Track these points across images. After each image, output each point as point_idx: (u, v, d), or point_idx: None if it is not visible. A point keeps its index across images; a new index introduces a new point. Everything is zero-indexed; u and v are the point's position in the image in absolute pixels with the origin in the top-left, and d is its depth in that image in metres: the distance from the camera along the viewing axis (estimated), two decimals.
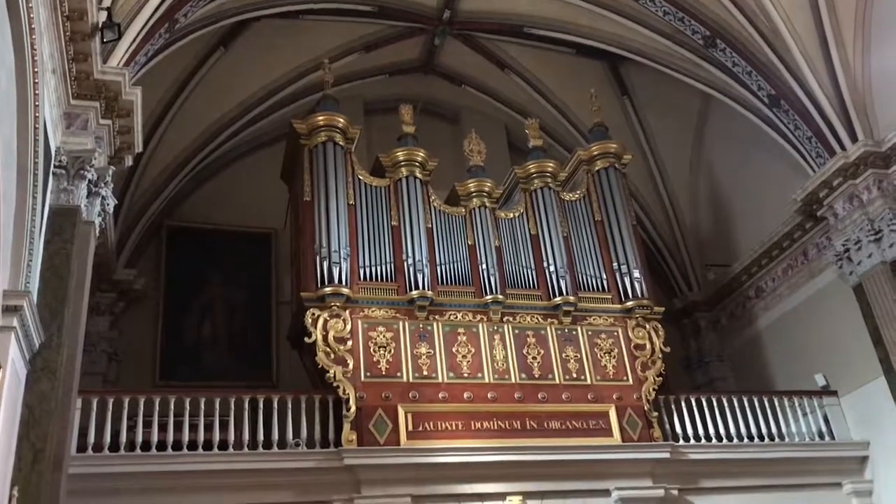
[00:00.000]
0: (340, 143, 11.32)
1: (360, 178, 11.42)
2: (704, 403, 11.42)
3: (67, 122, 8.32)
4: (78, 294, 7.84)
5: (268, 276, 13.52)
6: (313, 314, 10.28)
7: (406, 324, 10.62)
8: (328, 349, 10.15)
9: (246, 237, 13.66)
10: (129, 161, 9.63)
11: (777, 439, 11.47)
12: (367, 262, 10.80)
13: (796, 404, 11.90)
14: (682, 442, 10.99)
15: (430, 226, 11.33)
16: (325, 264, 10.43)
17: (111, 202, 9.10)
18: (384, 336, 10.47)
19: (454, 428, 10.17)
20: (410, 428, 10.01)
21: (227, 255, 13.43)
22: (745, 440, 11.29)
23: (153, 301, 12.91)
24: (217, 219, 13.63)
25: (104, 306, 12.16)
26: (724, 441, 11.19)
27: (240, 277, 13.35)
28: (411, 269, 10.80)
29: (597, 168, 12.56)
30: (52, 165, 7.92)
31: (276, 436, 9.58)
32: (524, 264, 11.55)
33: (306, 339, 10.21)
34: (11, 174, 6.70)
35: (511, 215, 11.92)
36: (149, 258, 13.20)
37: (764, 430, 11.45)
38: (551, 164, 12.30)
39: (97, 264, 9.66)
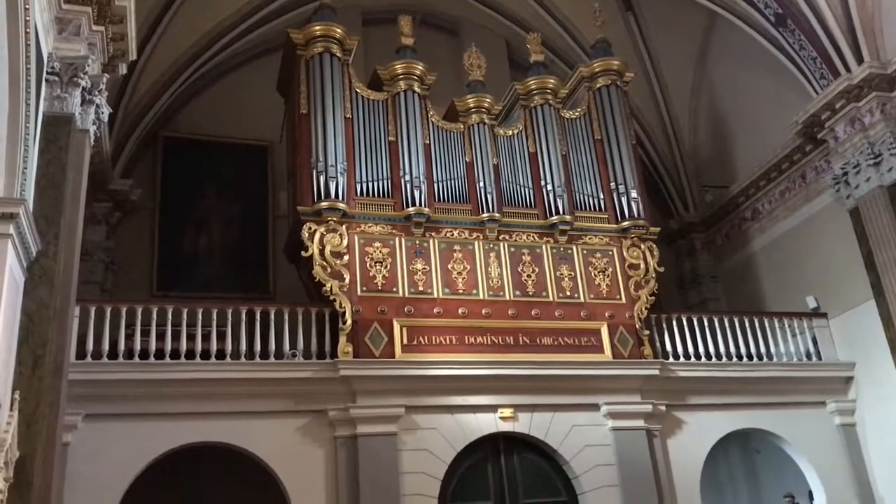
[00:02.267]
0: (338, 54, 11.10)
1: (358, 91, 11.25)
2: (695, 323, 11.59)
3: (59, 28, 8.13)
4: (74, 202, 7.82)
5: (264, 190, 13.46)
6: (310, 228, 10.30)
7: (402, 240, 10.66)
8: (325, 263, 10.20)
9: (242, 149, 13.53)
10: (123, 69, 9.45)
11: (765, 359, 11.68)
12: (363, 178, 10.75)
13: (786, 325, 12.07)
14: (671, 360, 11.20)
15: (427, 142, 11.23)
16: (322, 178, 10.38)
17: (105, 111, 8.98)
18: (380, 251, 10.51)
19: (448, 342, 10.34)
20: (405, 342, 10.17)
21: (224, 168, 13.34)
22: (734, 359, 11.49)
23: (149, 212, 12.88)
24: (213, 130, 13.45)
25: (100, 216, 12.14)
26: (714, 360, 11.40)
27: (236, 190, 13.29)
28: (408, 186, 10.76)
29: (598, 85, 12.39)
30: (44, 72, 7.78)
31: (272, 347, 9.73)
32: (521, 182, 11.53)
33: (303, 253, 10.24)
34: (3, 81, 6.58)
35: (510, 132, 11.82)
36: (144, 169, 13.10)
37: (753, 350, 11.64)
38: (552, 81, 12.12)
39: (92, 174, 9.58)
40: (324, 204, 10.31)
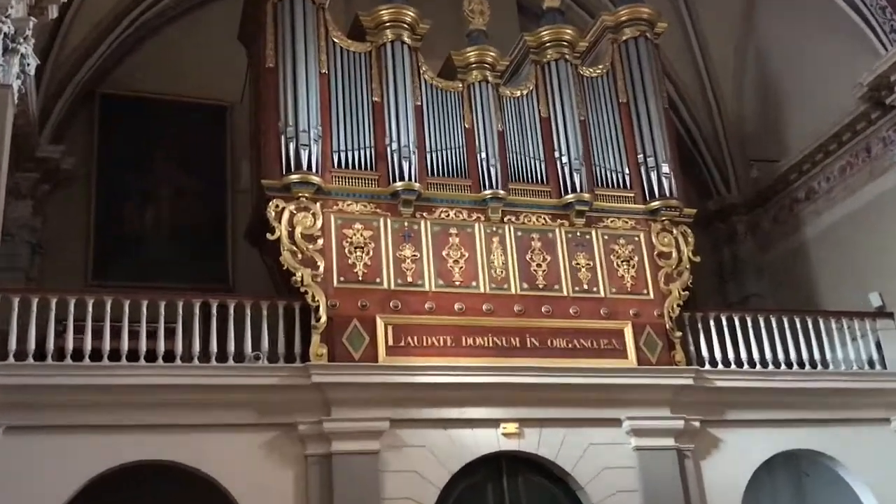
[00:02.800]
0: None
1: (336, 41, 11.22)
2: (737, 323, 11.61)
3: None
4: None
5: (222, 159, 13.49)
6: (277, 206, 10.29)
7: (388, 221, 10.68)
8: (295, 248, 10.21)
9: (196, 110, 13.53)
10: (53, 12, 9.39)
11: (819, 367, 11.73)
12: (342, 146, 10.75)
13: (845, 327, 12.11)
14: (707, 367, 11.24)
15: (419, 103, 11.23)
16: (292, 146, 10.37)
17: (32, 62, 8.94)
18: (361, 235, 10.52)
19: (442, 344, 10.38)
20: (390, 342, 10.20)
21: (174, 132, 13.34)
22: (783, 367, 11.54)
23: (84, 184, 12.87)
24: (161, 87, 13.42)
25: (25, 189, 12.09)
26: (758, 367, 11.44)
27: (189, 159, 13.29)
28: (395, 156, 10.75)
29: (624, 38, 12.40)
30: None
31: (231, 347, 9.71)
32: (531, 153, 11.56)
33: (269, 236, 10.24)
34: None
35: (518, 93, 11.83)
36: (78, 133, 13.06)
37: (805, 357, 11.70)
38: (569, 32, 12.13)
39: (16, 138, 9.51)
40: (294, 177, 10.29)
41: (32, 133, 11.80)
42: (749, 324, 11.64)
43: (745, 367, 11.41)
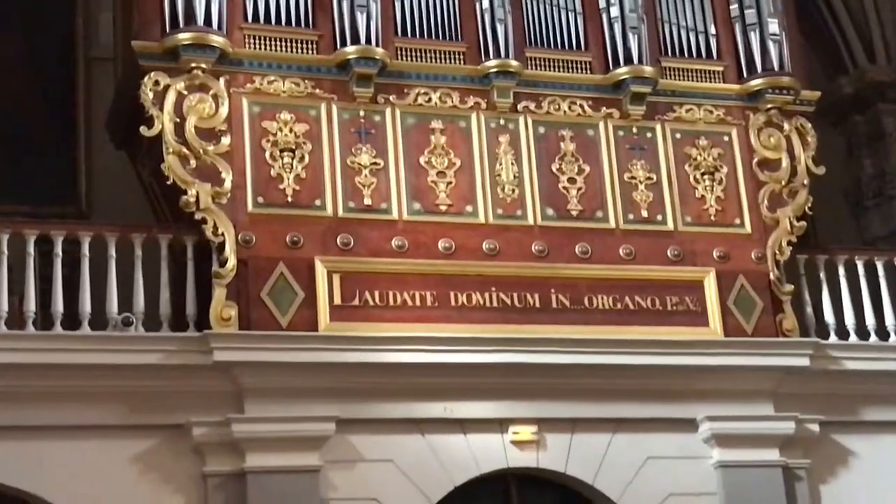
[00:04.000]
0: None
1: None
2: (881, 271, 11.73)
3: None
4: None
5: (68, 11, 13.39)
6: (157, 84, 10.18)
7: (334, 108, 10.70)
8: (186, 150, 10.11)
9: None
10: None
11: None
12: None
13: None
14: (834, 339, 11.34)
15: None
16: None
17: None
18: (292, 131, 10.52)
19: (419, 303, 10.43)
20: (338, 300, 10.21)
21: None
22: None
23: None
24: None
25: None
26: None
27: (18, 11, 13.15)
28: (345, 4, 10.63)
29: None
30: None
31: (86, 307, 9.69)
32: (562, 2, 11.55)
33: (144, 131, 10.09)
34: None
35: None
36: None
37: None
38: None
39: None
40: (184, 37, 10.17)
41: None
42: None
43: (893, 339, 11.53)
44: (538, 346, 10.39)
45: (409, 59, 10.93)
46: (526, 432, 10.39)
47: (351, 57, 10.52)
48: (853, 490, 11.18)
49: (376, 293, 10.25)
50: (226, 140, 10.22)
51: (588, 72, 11.39)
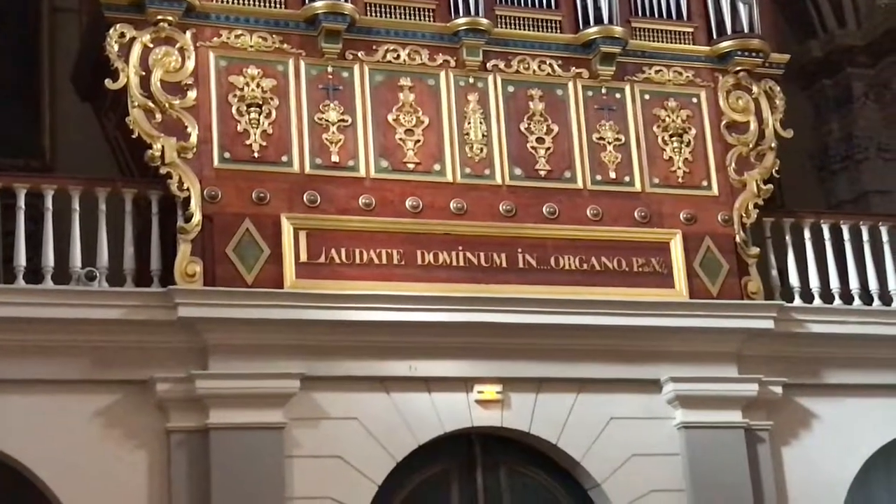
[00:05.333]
0: None
1: None
2: (846, 235, 11.79)
3: None
4: None
5: None
6: (122, 36, 10.13)
7: (301, 64, 10.69)
8: (151, 104, 10.07)
9: None
10: None
11: None
12: None
13: None
14: (798, 302, 11.49)
15: None
16: None
17: None
18: (259, 86, 10.48)
19: (385, 261, 10.44)
20: (304, 257, 10.24)
21: None
22: None
23: None
24: None
25: None
26: (877, 304, 11.70)
27: None
28: None
29: None
30: None
31: (49, 261, 9.67)
32: None
33: (109, 84, 10.08)
34: None
35: None
36: None
37: None
38: None
39: None
40: None
41: None
42: (865, 236, 11.85)
43: (857, 303, 11.65)
44: (504, 306, 10.44)
45: (378, 14, 10.88)
46: (490, 392, 10.43)
47: (319, 12, 10.47)
48: (815, 452, 11.27)
49: (342, 251, 10.26)
50: (192, 94, 10.20)
51: (558, 31, 11.36)
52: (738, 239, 11.25)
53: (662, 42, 11.67)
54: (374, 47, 10.84)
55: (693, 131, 11.49)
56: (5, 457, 9.33)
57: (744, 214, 11.35)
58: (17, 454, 9.30)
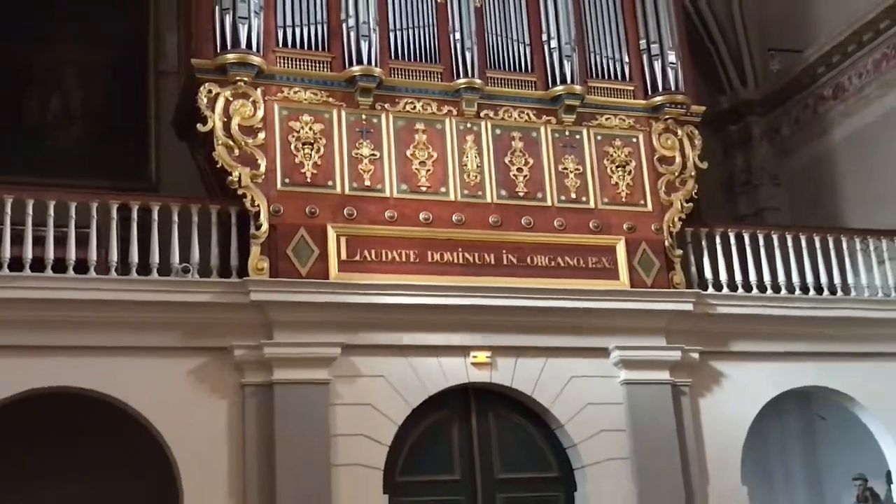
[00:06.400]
0: None
1: None
2: (747, 240, 11.81)
3: None
4: None
5: (142, 34, 13.30)
6: (210, 92, 10.23)
7: (343, 113, 10.67)
8: (231, 142, 10.16)
9: None
10: None
11: (840, 293, 11.97)
12: (288, 20, 10.63)
13: (871, 248, 12.31)
14: (711, 291, 11.45)
15: None
16: (228, 19, 10.26)
17: None
18: (311, 129, 10.51)
19: (404, 259, 10.49)
20: (344, 256, 10.27)
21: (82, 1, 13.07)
22: (798, 292, 11.78)
23: None
24: None
25: None
26: (769, 292, 11.65)
27: (101, 31, 13.01)
28: (352, 34, 10.63)
29: None
30: None
31: (155, 258, 9.76)
32: (515, 36, 11.52)
33: (200, 128, 10.20)
34: None
35: None
36: None
37: (824, 281, 11.91)
38: None
39: None
40: (230, 57, 10.21)
41: None
42: (761, 242, 11.80)
43: (755, 291, 11.62)
44: (492, 293, 10.51)
45: (399, 76, 10.86)
46: (482, 356, 10.48)
47: (356, 74, 10.52)
48: (723, 402, 11.30)
49: (372, 251, 10.32)
50: (261, 135, 10.24)
51: (533, 89, 11.34)
52: (666, 244, 11.29)
53: (610, 97, 11.60)
54: (396, 100, 10.81)
55: (633, 163, 11.47)
56: (123, 403, 9.43)
57: (671, 225, 11.38)
58: (133, 402, 9.44)
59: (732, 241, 11.75)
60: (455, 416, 10.67)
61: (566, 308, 10.74)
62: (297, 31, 10.64)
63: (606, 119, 11.61)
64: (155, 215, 9.93)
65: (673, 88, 11.70)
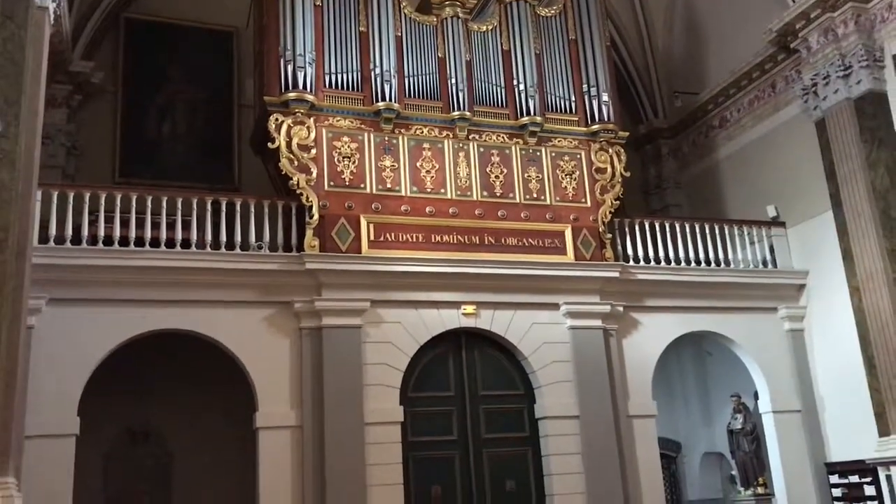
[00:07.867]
0: None
1: None
2: (657, 227, 11.78)
3: None
4: (34, 82, 7.54)
5: (230, 77, 13.15)
6: (276, 119, 10.16)
7: (371, 135, 10.57)
8: (292, 156, 10.12)
9: (207, 34, 13.14)
10: None
11: (723, 265, 11.98)
12: (332, 69, 10.53)
13: (745, 233, 12.34)
14: (632, 263, 11.42)
15: (399, 34, 10.98)
16: (290, 68, 10.18)
17: None
18: (349, 147, 10.42)
19: (415, 240, 10.42)
20: (372, 238, 10.22)
21: (188, 53, 12.96)
22: (692, 264, 11.77)
23: (111, 96, 12.51)
24: (177, 13, 13.01)
25: (61, 98, 11.76)
26: (672, 264, 11.65)
27: (201, 76, 12.93)
28: (378, 79, 10.58)
29: None
30: None
31: (238, 238, 9.74)
32: (494, 81, 11.37)
33: (269, 145, 10.14)
34: None
35: (484, 28, 11.57)
36: (106, 52, 12.65)
37: (711, 256, 11.91)
38: None
39: (52, 54, 9.20)
40: (291, 94, 10.14)
41: (66, 50, 11.42)
42: (667, 228, 11.80)
43: (663, 263, 11.61)
44: (478, 265, 10.51)
45: (412, 110, 10.78)
46: (470, 309, 10.46)
47: (381, 108, 10.48)
48: (639, 342, 11.30)
49: (392, 234, 10.30)
50: (313, 151, 10.21)
51: (507, 119, 11.23)
52: (600, 230, 11.24)
53: (562, 125, 11.50)
54: (409, 126, 10.75)
55: (577, 173, 11.38)
56: (217, 341, 9.46)
57: (604, 217, 11.31)
58: (225, 340, 9.49)
59: (647, 227, 11.73)
60: (450, 351, 10.62)
61: (529, 275, 10.73)
62: (339, 76, 10.57)
63: (559, 141, 11.51)
64: (238, 207, 9.94)
65: (606, 119, 11.63)
